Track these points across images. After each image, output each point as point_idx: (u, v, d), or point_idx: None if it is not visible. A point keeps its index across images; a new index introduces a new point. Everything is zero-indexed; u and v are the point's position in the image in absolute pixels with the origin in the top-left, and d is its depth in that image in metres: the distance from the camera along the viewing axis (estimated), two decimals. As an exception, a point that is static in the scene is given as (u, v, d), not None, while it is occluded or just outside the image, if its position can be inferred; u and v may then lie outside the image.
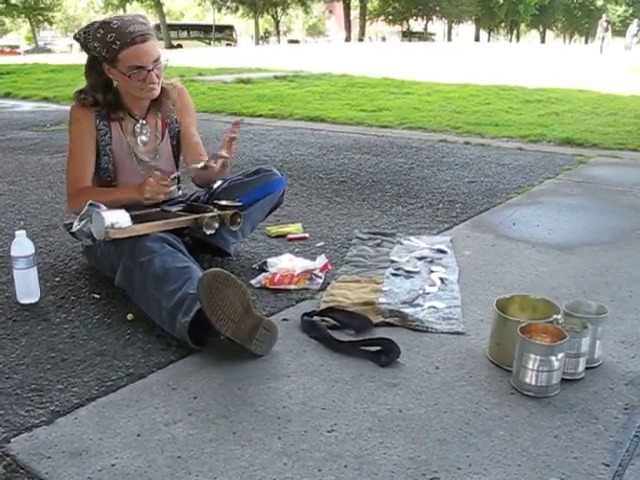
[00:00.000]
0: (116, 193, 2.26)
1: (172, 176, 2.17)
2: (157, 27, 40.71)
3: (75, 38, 2.24)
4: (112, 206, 2.09)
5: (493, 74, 11.92)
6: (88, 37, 2.16)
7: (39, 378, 1.67)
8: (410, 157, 4.69)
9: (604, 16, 25.83)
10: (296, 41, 53.84)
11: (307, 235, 2.84)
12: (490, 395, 1.60)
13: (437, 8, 52.09)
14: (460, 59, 18.25)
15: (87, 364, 1.74)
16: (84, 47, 2.20)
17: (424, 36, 54.63)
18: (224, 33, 45.82)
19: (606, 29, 24.13)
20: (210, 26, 46.87)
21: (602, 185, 3.88)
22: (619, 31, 54.82)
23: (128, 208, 2.09)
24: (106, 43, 2.11)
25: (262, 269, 2.39)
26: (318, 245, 2.72)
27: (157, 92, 2.24)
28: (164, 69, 2.23)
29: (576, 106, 7.56)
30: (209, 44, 41.69)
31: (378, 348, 1.79)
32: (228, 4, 50.28)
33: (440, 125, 6.18)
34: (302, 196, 3.57)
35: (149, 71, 2.15)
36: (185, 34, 43.35)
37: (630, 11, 54.78)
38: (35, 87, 9.90)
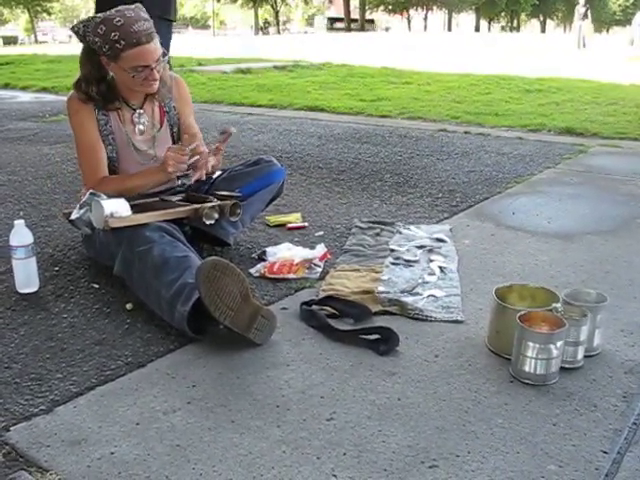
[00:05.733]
0: (138, 178, 2.26)
1: (190, 147, 2.17)
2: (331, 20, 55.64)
3: (73, 30, 2.19)
4: (122, 194, 2.10)
5: (493, 64, 11.87)
6: (87, 31, 2.13)
7: (38, 367, 1.67)
8: (410, 147, 4.68)
9: (581, 0, 18.78)
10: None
11: (306, 224, 2.84)
12: (489, 383, 1.60)
13: (438, -3, 51.94)
14: (460, 49, 18.13)
15: (86, 353, 1.74)
16: (82, 39, 2.17)
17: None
18: (369, 24, 54.89)
19: (584, 16, 18.45)
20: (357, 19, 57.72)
21: (602, 174, 3.87)
22: (619, 20, 54.62)
23: (128, 197, 2.09)
24: (109, 41, 2.08)
25: (261, 258, 2.39)
26: (317, 234, 2.72)
27: (156, 87, 2.25)
28: (164, 63, 2.24)
29: (576, 95, 7.54)
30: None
31: (377, 337, 1.79)
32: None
33: (440, 115, 6.16)
34: (301, 185, 3.56)
35: (152, 69, 2.16)
36: (340, 25, 52.66)
37: (631, 0, 54.41)
38: (34, 78, 9.85)
